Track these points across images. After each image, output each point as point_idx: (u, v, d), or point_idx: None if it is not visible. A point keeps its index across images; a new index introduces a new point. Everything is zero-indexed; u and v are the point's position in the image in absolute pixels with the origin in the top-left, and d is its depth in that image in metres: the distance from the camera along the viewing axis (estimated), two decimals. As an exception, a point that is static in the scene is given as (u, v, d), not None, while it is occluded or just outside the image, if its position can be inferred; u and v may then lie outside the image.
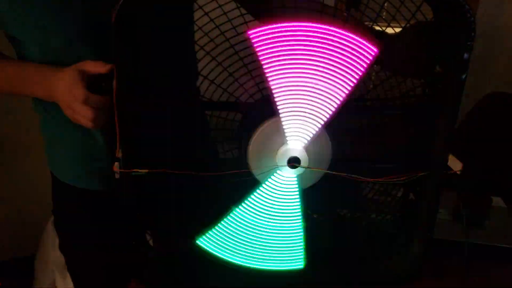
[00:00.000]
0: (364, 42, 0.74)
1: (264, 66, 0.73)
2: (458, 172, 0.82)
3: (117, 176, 0.75)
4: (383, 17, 0.87)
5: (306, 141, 0.79)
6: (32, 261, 1.99)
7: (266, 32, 0.71)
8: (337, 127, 0.87)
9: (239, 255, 0.89)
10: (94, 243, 1.09)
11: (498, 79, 2.44)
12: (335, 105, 0.77)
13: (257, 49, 0.72)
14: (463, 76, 0.78)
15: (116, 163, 0.75)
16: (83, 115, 0.82)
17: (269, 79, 0.74)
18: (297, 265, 0.92)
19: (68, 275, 1.23)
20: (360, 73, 0.75)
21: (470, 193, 1.24)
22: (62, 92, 0.83)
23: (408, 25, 0.85)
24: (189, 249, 0.88)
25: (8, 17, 0.89)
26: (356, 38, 0.73)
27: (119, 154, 0.75)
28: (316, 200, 1.01)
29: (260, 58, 0.73)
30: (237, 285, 0.94)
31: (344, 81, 0.75)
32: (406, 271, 0.96)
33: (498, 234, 1.10)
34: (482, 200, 1.22)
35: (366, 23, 0.87)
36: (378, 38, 0.88)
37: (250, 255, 0.89)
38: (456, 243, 1.01)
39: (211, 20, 0.82)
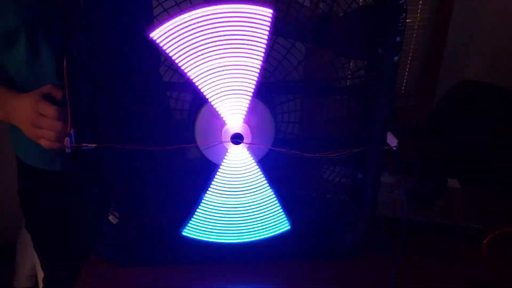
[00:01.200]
0: (256, 7, 0.75)
1: (177, 61, 0.78)
2: (395, 148, 0.86)
3: (67, 150, 0.80)
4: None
5: (244, 117, 0.83)
6: (14, 247, 2.04)
7: (166, 29, 0.76)
8: (283, 106, 0.92)
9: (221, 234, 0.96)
10: (56, 220, 1.14)
11: (477, 67, 2.49)
12: (256, 76, 0.80)
13: (165, 48, 0.77)
14: (395, 58, 0.82)
15: (67, 138, 0.79)
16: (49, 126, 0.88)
17: (186, 71, 0.79)
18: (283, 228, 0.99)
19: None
20: (265, 38, 0.77)
21: (426, 174, 1.29)
22: (23, 112, 0.90)
23: (349, 9, 0.90)
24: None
25: None
26: (247, 6, 0.75)
27: (70, 130, 0.80)
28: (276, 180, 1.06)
29: (171, 54, 0.77)
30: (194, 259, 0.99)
31: (254, 51, 0.78)
32: (352, 247, 1.01)
33: (449, 214, 1.14)
34: (436, 181, 1.27)
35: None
36: (322, 22, 0.94)
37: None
38: (409, 222, 1.05)
39: (166, 10, 0.87)
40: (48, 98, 0.87)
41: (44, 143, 0.89)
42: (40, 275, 1.79)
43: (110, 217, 0.99)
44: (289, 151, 0.84)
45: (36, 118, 0.88)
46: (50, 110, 0.86)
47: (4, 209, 2.08)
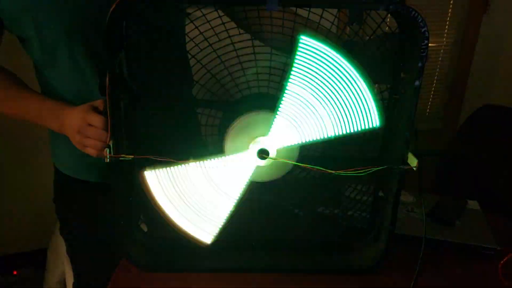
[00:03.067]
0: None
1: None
2: (414, 169, 0.90)
3: (107, 160, 0.86)
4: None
5: (271, 133, 0.89)
6: (45, 253, 2.10)
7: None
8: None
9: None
10: (89, 227, 1.21)
11: (502, 91, 2.50)
12: (284, 96, 0.86)
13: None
14: (417, 82, 0.86)
15: (106, 149, 0.85)
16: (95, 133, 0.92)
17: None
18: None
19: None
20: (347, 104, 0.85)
21: (448, 196, 1.32)
22: (73, 122, 0.95)
23: (373, 36, 0.95)
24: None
25: (8, 15, 1.00)
26: (360, 78, 0.83)
27: (109, 142, 0.86)
28: (298, 196, 1.11)
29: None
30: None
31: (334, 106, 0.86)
32: (372, 263, 1.04)
33: (467, 234, 1.17)
34: (456, 202, 1.29)
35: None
36: (349, 47, 0.99)
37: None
38: (428, 240, 1.09)
39: (201, 33, 0.93)
40: (98, 110, 0.92)
41: (89, 151, 0.94)
42: (69, 281, 1.85)
43: (141, 225, 1.05)
44: (313, 167, 0.88)
45: (84, 127, 0.92)
46: (97, 120, 0.90)
47: (36, 216, 2.17)
